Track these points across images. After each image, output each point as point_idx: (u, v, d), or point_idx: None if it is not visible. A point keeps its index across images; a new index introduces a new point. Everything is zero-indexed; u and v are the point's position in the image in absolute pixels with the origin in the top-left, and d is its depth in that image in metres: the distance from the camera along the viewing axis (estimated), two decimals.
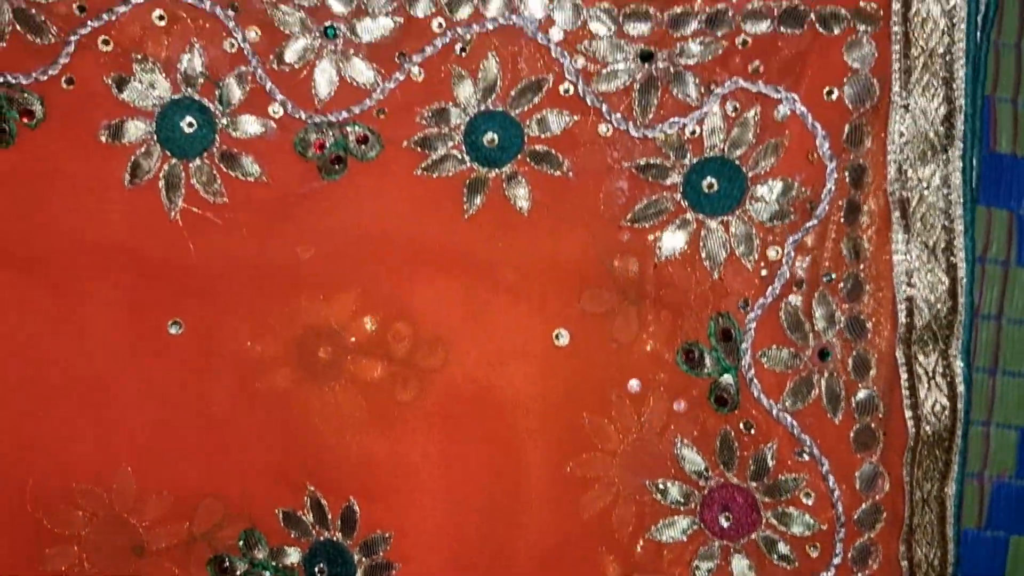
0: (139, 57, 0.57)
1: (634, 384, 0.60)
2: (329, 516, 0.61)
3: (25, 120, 0.57)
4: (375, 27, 0.58)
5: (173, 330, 0.60)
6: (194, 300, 0.60)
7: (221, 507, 0.61)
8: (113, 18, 0.56)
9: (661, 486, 0.61)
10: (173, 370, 0.60)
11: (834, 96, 0.58)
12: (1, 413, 0.59)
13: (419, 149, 0.59)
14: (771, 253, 0.59)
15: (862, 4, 0.57)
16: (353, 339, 0.60)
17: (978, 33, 0.58)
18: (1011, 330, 0.66)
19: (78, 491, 0.61)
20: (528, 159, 0.59)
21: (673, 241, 0.59)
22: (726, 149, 0.58)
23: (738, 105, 0.58)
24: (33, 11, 0.56)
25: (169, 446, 0.60)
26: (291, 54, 0.57)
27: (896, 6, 0.57)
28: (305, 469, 0.61)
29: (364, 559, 0.62)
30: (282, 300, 0.60)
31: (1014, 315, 0.66)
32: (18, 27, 0.56)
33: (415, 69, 0.58)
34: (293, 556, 0.62)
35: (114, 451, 0.60)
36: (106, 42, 0.57)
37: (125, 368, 0.60)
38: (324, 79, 0.58)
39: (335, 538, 0.62)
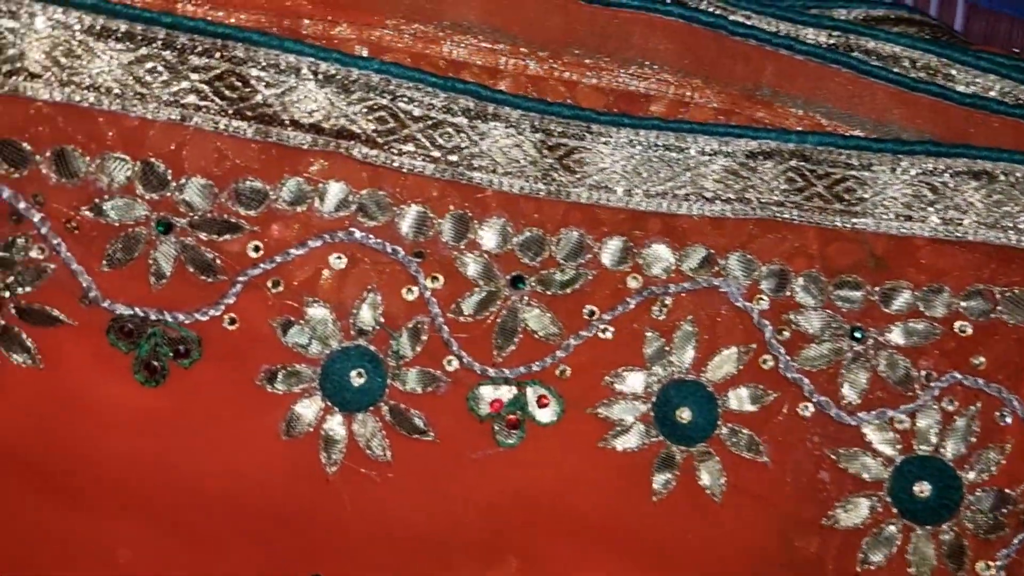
0: (311, 301, 0.52)
1: None
2: None
3: (179, 360, 0.52)
4: (565, 279, 0.53)
5: None
6: (339, 556, 0.54)
7: None
8: (288, 259, 0.51)
9: None
10: None
11: None
12: None
13: (603, 417, 0.54)
14: (980, 567, 0.54)
15: None
16: None
17: None
18: None
19: None
20: (723, 438, 0.54)
21: (877, 549, 0.54)
22: (941, 450, 0.54)
23: (956, 401, 0.54)
24: (203, 248, 0.51)
25: None
26: (473, 304, 0.53)
27: None
28: None
29: None
30: (436, 562, 0.54)
31: None
32: (185, 264, 0.51)
33: (604, 327, 0.54)
34: None
35: None
36: (276, 283, 0.51)
37: None
38: (502, 332, 0.53)
39: None
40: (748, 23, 0.54)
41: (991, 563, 0.54)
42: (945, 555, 0.54)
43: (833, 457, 0.54)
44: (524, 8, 0.52)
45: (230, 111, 0.48)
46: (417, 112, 0.50)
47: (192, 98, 0.48)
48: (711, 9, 0.54)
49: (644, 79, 0.53)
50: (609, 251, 0.53)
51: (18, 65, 0.47)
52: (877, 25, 0.56)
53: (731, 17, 0.53)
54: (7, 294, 0.50)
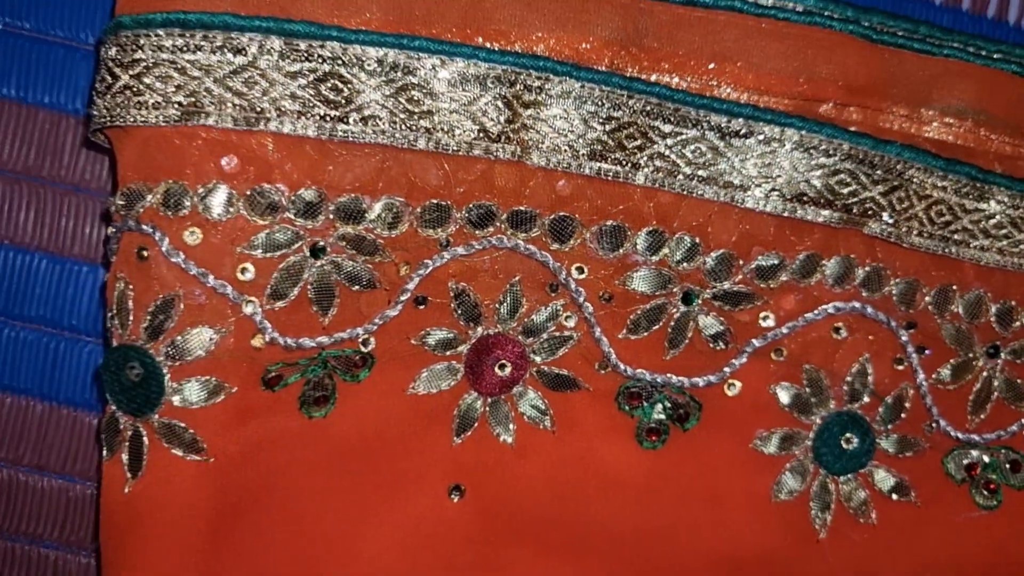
0: (810, 369, 0.54)
1: None
2: None
3: (679, 423, 0.53)
4: None
5: None
6: None
7: None
8: (795, 329, 0.53)
9: None
10: None
11: None
12: None
13: None
14: None
15: None
16: None
17: None
18: None
19: None
20: None
21: None
22: None
23: None
24: (719, 318, 0.53)
25: None
26: (951, 372, 0.55)
27: None
28: None
29: None
30: None
31: None
32: (701, 333, 0.53)
33: None
34: None
35: None
36: (779, 352, 0.54)
37: None
38: (977, 399, 0.56)
39: None
40: None
41: None
42: None
43: None
44: (1014, 95, 0.55)
45: (769, 189, 0.51)
46: (922, 192, 0.53)
47: (736, 178, 0.51)
48: None
49: None
50: None
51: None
52: None
53: None
54: (535, 358, 0.52)
